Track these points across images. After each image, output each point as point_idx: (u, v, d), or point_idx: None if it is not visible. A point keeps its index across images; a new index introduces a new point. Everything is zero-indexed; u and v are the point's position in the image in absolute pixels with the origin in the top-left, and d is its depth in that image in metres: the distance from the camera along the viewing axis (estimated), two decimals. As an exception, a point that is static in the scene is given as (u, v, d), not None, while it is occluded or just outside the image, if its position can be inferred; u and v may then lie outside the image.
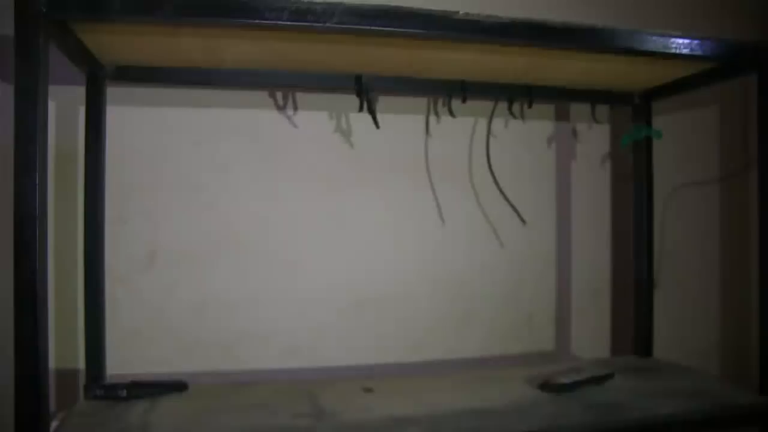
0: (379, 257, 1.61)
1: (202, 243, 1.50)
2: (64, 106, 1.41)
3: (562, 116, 1.74)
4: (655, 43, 1.16)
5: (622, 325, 1.80)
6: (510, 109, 1.56)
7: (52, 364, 1.36)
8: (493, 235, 1.68)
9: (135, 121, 1.46)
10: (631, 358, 1.61)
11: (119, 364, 1.39)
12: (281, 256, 1.55)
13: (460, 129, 1.65)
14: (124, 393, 1.23)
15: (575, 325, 1.79)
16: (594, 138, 1.76)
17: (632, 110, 1.64)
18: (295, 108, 1.54)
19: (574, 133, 1.75)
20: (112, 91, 1.36)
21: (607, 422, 1.15)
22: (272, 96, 1.53)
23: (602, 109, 1.70)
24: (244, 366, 1.53)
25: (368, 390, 1.31)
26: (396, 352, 1.63)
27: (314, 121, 1.56)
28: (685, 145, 1.82)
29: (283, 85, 1.49)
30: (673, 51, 1.17)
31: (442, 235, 1.65)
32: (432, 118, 1.63)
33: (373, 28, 1.01)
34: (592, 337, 1.80)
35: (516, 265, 1.72)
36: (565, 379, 1.31)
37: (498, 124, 1.66)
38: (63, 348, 1.42)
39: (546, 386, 1.31)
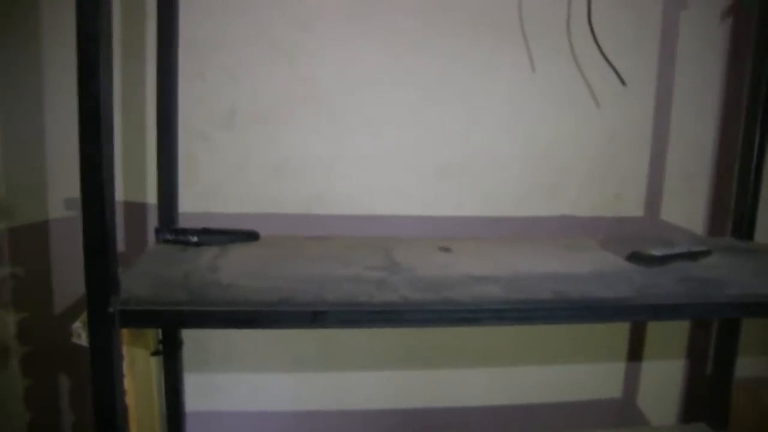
0: (462, 120, 1.51)
1: (282, 101, 1.44)
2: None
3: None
4: None
5: (718, 212, 1.66)
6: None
7: (120, 197, 1.37)
8: (586, 100, 1.54)
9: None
10: (729, 239, 1.49)
11: (193, 219, 1.38)
12: (361, 118, 1.47)
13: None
14: (195, 239, 1.21)
15: (666, 209, 1.66)
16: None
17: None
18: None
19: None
20: None
21: (702, 296, 1.05)
22: None
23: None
24: (320, 226, 1.49)
25: (445, 249, 1.24)
26: (475, 222, 1.55)
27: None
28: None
29: None
30: None
31: (532, 97, 1.52)
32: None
33: None
34: (683, 223, 1.67)
35: (607, 138, 1.58)
36: (656, 252, 1.21)
37: (601, -27, 1.48)
38: (132, 193, 1.42)
39: (635, 257, 1.21)
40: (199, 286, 0.97)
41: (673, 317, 1.03)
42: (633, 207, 1.64)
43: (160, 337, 1.36)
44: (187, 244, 1.20)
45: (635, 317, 1.02)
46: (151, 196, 1.42)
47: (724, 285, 1.09)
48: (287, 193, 1.48)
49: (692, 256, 1.24)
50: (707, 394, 1.63)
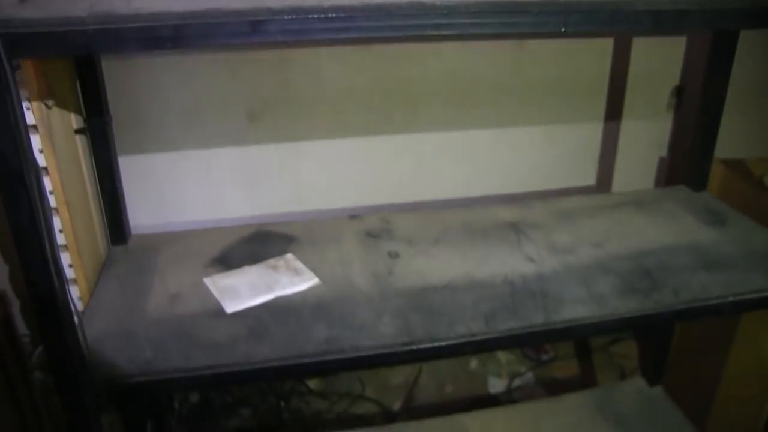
0: None
1: None
2: None
3: None
4: None
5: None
6: None
7: None
8: None
9: None
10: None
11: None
12: None
13: None
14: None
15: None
16: None
17: None
18: None
19: None
20: None
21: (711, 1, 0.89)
22: None
23: None
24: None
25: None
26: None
27: None
28: None
29: None
30: None
31: None
32: None
33: None
34: None
35: None
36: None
37: None
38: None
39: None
40: (106, 11, 0.77)
41: (678, 25, 0.88)
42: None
43: (84, 114, 1.18)
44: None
45: (635, 25, 0.87)
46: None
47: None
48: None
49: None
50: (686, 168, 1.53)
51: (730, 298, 1.09)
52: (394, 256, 1.18)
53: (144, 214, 1.41)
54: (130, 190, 1.31)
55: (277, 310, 1.04)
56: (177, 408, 1.65)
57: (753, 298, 1.11)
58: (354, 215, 1.31)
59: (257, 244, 1.23)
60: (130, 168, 1.33)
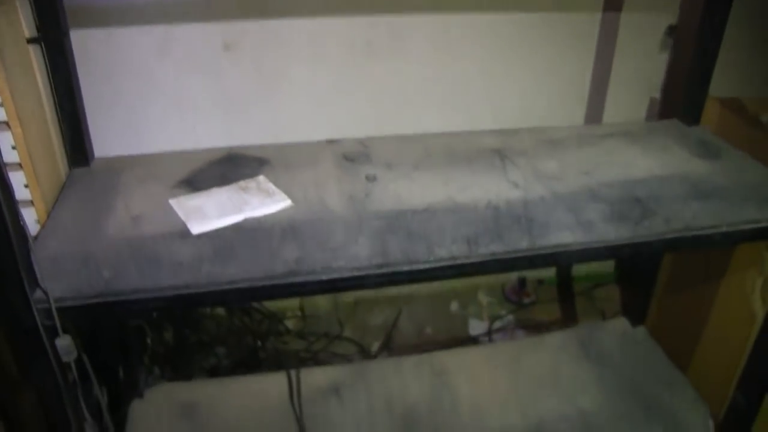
0: None
1: None
2: None
3: None
4: None
5: None
6: None
7: None
8: None
9: None
10: None
11: None
12: None
13: None
14: None
15: None
16: None
17: None
18: None
19: None
20: None
21: None
22: None
23: None
24: None
25: None
26: None
27: None
28: None
29: None
30: None
31: None
32: None
33: None
34: None
35: None
36: None
37: None
38: None
39: None
40: None
41: None
42: None
43: (37, 22, 1.09)
44: None
45: None
46: None
47: None
48: None
49: None
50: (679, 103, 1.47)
51: (723, 228, 1.05)
52: (371, 179, 1.12)
53: (111, 143, 1.33)
54: (97, 118, 1.23)
55: (246, 231, 0.98)
56: (150, 345, 1.60)
57: (746, 229, 1.06)
58: (332, 140, 1.24)
59: (228, 166, 1.16)
60: (97, 95, 1.26)
